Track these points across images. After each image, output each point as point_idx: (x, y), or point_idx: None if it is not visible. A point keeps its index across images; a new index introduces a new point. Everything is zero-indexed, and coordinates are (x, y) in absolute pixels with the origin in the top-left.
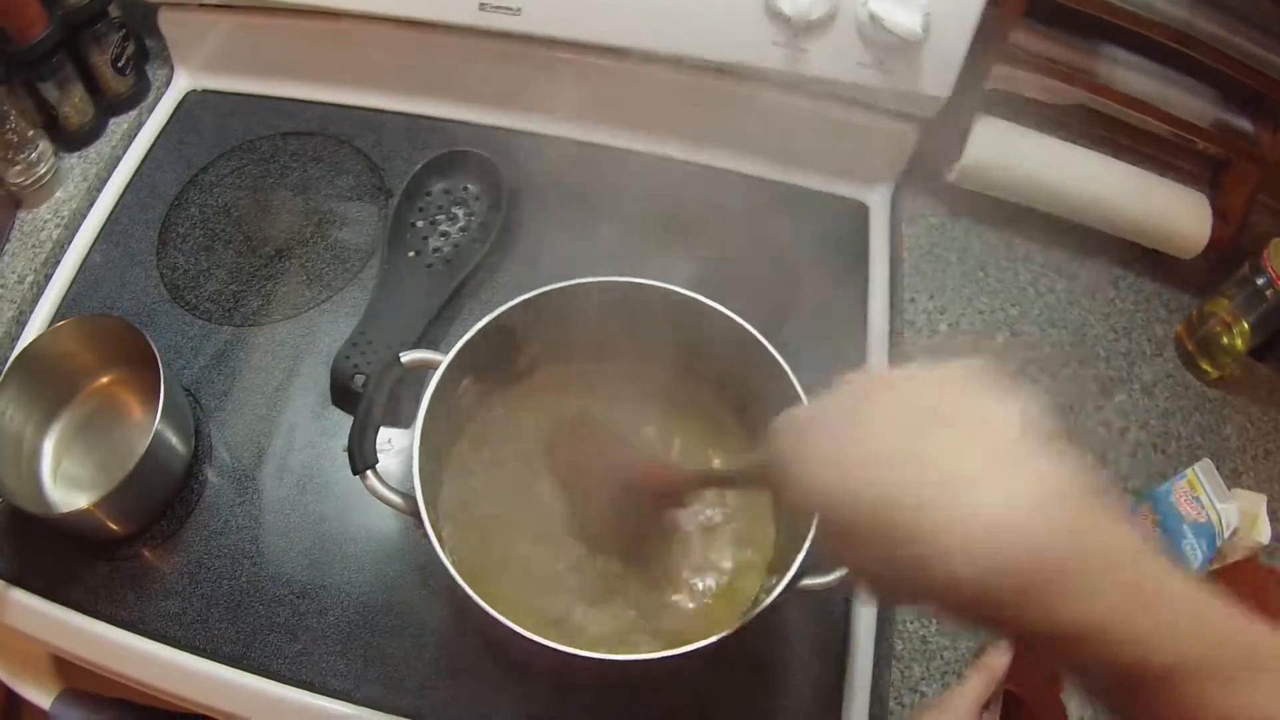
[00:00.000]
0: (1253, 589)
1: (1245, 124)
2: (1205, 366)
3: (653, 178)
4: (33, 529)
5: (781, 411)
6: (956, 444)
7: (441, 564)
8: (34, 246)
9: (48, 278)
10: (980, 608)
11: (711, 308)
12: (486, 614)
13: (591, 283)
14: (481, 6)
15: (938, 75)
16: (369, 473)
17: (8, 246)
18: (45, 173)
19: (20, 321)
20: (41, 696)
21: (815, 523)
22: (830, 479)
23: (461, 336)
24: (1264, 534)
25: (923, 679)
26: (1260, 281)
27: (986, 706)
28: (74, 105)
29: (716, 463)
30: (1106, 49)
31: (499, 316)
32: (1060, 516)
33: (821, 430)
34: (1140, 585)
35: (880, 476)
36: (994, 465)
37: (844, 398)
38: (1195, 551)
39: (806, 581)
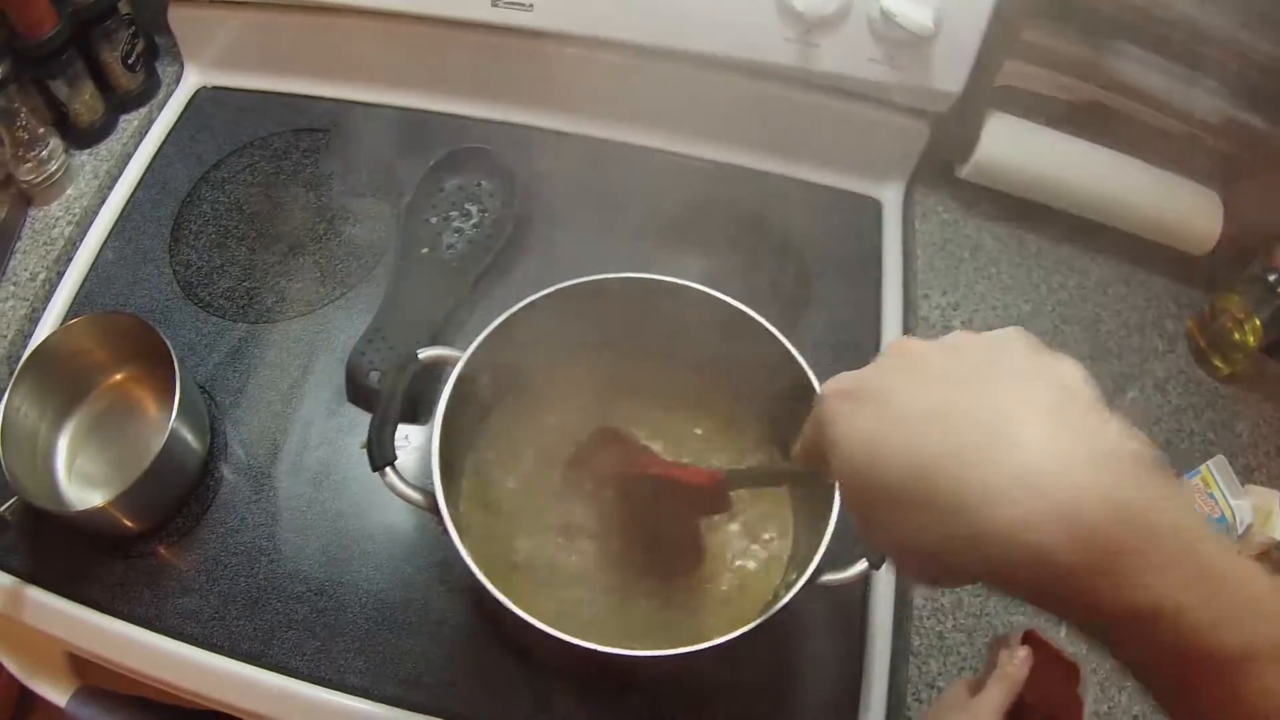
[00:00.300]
0: None
1: (1257, 121)
2: (1217, 363)
3: (665, 174)
4: (48, 526)
5: (793, 400)
6: (1007, 405)
7: (460, 560)
8: (46, 244)
9: (60, 275)
10: (1039, 586)
11: (727, 303)
12: (507, 609)
13: (608, 279)
14: (494, 3)
15: (949, 71)
16: (388, 469)
17: (20, 244)
18: (56, 170)
19: (33, 319)
20: (57, 694)
21: (854, 498)
22: (879, 438)
23: (476, 332)
24: (1277, 530)
25: (940, 675)
26: (1272, 278)
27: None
28: (84, 102)
29: (749, 461)
30: (1118, 46)
31: (516, 312)
32: (1126, 477)
33: (867, 391)
34: (1208, 564)
35: (933, 437)
36: (1048, 424)
37: (891, 359)
38: None
39: (826, 577)
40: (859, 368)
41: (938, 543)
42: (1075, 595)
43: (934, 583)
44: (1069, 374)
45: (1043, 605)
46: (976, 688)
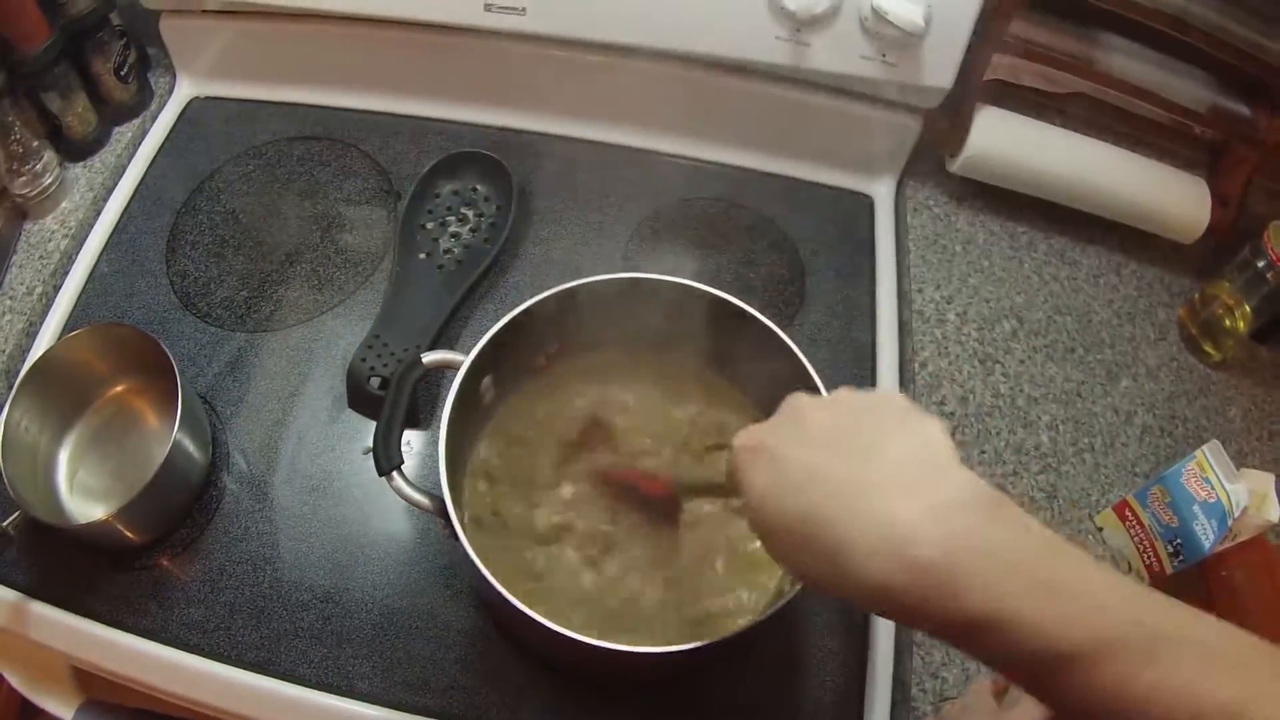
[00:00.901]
0: (1263, 567)
1: (1242, 108)
2: (1208, 350)
3: (660, 175)
4: (50, 540)
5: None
6: (874, 461)
7: (466, 562)
8: (42, 258)
9: (56, 288)
10: (897, 608)
11: (726, 300)
12: (515, 609)
13: (606, 279)
14: (487, 7)
15: (939, 67)
16: (395, 473)
17: (15, 258)
18: (51, 183)
19: (30, 333)
20: (62, 708)
21: (759, 532)
22: (770, 491)
23: (476, 336)
24: (1273, 512)
25: (943, 664)
26: (1261, 264)
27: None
28: (77, 115)
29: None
30: (1104, 37)
31: (517, 315)
32: (964, 518)
33: (763, 447)
34: (1047, 576)
35: (807, 493)
36: (906, 478)
37: (782, 417)
38: (1206, 531)
39: None
40: (853, 362)
41: (819, 574)
42: (920, 613)
43: (825, 594)
44: (932, 434)
45: (901, 621)
46: (1000, 693)
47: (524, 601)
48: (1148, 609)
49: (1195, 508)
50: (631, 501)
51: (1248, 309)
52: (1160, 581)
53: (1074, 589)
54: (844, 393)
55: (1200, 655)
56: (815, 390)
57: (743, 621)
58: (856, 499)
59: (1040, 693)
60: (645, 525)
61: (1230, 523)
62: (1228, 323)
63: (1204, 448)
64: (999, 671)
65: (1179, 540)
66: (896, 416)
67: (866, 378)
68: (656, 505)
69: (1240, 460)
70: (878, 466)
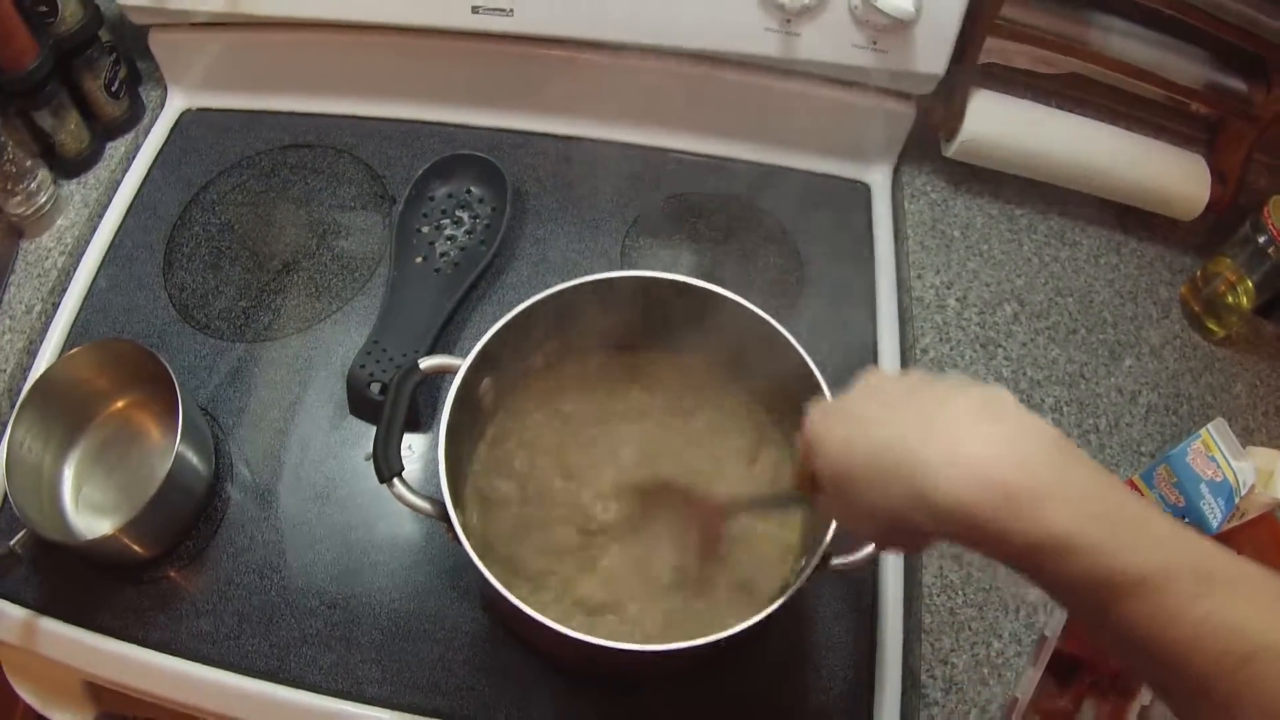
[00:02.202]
0: (1272, 544)
1: (1238, 84)
2: (1211, 326)
3: (653, 170)
4: (58, 557)
5: (794, 386)
6: (946, 407)
7: (471, 565)
8: (39, 276)
9: (55, 306)
10: (970, 526)
11: (723, 295)
12: (521, 612)
13: (603, 279)
14: (474, 9)
15: (932, 52)
16: (396, 480)
17: (13, 277)
18: (45, 201)
19: (31, 351)
20: None
21: (831, 484)
22: (851, 437)
23: (475, 338)
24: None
25: (953, 650)
26: (1262, 239)
27: (1034, 663)
28: (70, 132)
29: (756, 454)
30: (1097, 17)
31: (514, 317)
32: (1036, 447)
33: (840, 408)
34: (1113, 505)
35: (890, 430)
36: (977, 417)
37: (858, 388)
38: (1214, 510)
39: (836, 561)
40: (854, 351)
41: (894, 505)
42: (995, 533)
43: (898, 545)
44: (995, 389)
45: (974, 545)
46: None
47: (529, 603)
48: (1203, 547)
49: (1202, 487)
50: (652, 506)
51: (1250, 285)
52: None
53: (1136, 521)
54: (916, 371)
55: (1253, 593)
56: (815, 383)
57: (750, 616)
58: (934, 431)
59: (1098, 620)
60: (657, 527)
61: (1238, 501)
62: (1230, 299)
63: (1209, 426)
64: (1060, 598)
65: (1187, 520)
66: (965, 381)
67: (868, 365)
68: (693, 516)
69: (1246, 437)
70: (952, 410)
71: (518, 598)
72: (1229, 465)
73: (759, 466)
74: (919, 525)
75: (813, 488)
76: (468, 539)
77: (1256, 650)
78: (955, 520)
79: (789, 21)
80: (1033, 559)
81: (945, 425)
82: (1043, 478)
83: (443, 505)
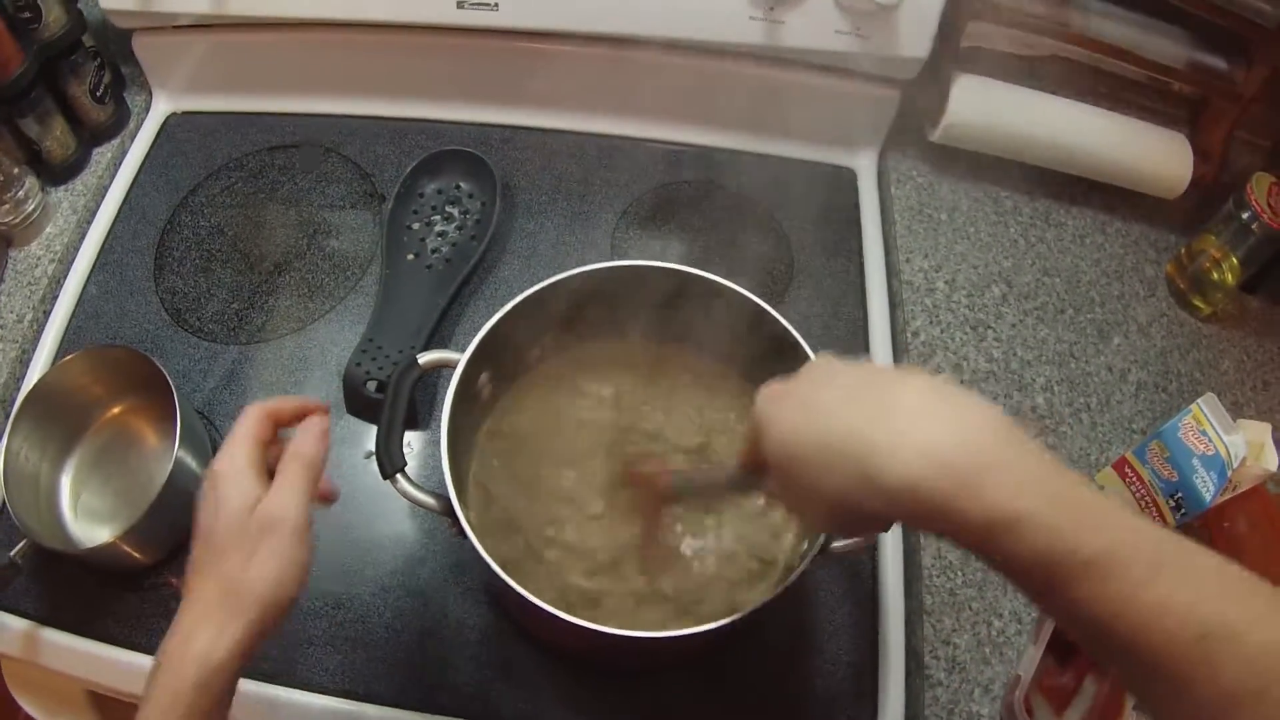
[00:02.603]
0: (1264, 516)
1: (1219, 63)
2: (1198, 303)
3: (641, 161)
4: (58, 566)
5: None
6: (895, 392)
7: (477, 559)
8: (30, 284)
9: (47, 314)
10: (919, 507)
11: (716, 282)
12: (529, 603)
13: (593, 270)
14: (460, 4)
15: (915, 37)
16: (400, 475)
17: (3, 286)
18: (34, 209)
19: (24, 361)
20: None
21: (781, 469)
22: (800, 422)
23: (470, 333)
24: (1271, 461)
25: (954, 631)
26: (1245, 216)
27: (1035, 641)
28: (56, 139)
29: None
30: None
31: (511, 310)
32: (985, 429)
33: (790, 392)
34: (1062, 486)
35: (838, 415)
36: (924, 401)
37: (809, 372)
38: (1206, 483)
39: (837, 544)
40: (846, 337)
41: (843, 489)
42: (944, 513)
43: (847, 529)
44: (940, 378)
45: (925, 525)
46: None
47: (537, 594)
48: (1153, 531)
49: (1194, 461)
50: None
51: (1235, 261)
52: None
53: (1085, 503)
54: (866, 359)
55: (1203, 578)
56: (807, 357)
57: (756, 599)
58: (883, 415)
59: (1050, 601)
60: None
61: (1230, 474)
62: (1215, 275)
63: (1199, 401)
64: (1012, 578)
65: (1180, 494)
66: (913, 369)
67: (860, 350)
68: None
69: (1236, 411)
70: (900, 394)
71: (524, 589)
72: (1220, 439)
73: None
74: (868, 508)
75: (760, 470)
76: (474, 534)
77: (1208, 631)
78: (905, 501)
79: (772, 9)
80: (982, 538)
81: (893, 409)
82: (990, 458)
83: (446, 500)
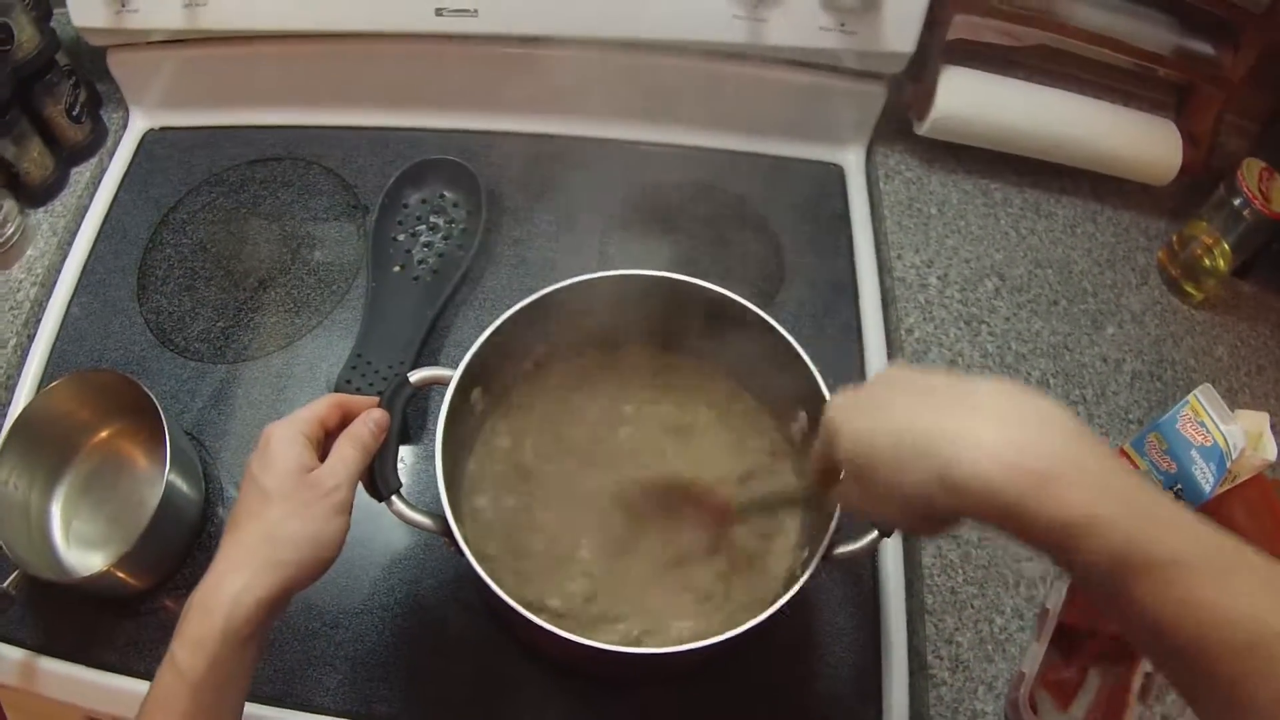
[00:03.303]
0: (1265, 506)
1: (1206, 48)
2: (1190, 290)
3: (627, 164)
4: (53, 595)
5: (786, 377)
6: (966, 396)
7: (473, 576)
8: (12, 309)
9: (30, 338)
10: (993, 508)
11: (705, 287)
12: (529, 621)
13: (583, 280)
14: (438, 12)
15: (900, 31)
16: (394, 497)
17: None
18: (13, 233)
19: (9, 386)
20: None
21: (855, 472)
22: (875, 425)
23: (460, 345)
24: (1270, 451)
25: (956, 629)
26: (1237, 202)
27: (1038, 637)
28: (33, 160)
29: (750, 443)
30: None
31: (501, 325)
32: (1057, 434)
33: (862, 398)
34: (1131, 489)
35: (912, 417)
36: (998, 404)
37: (882, 378)
38: (1206, 475)
39: (839, 549)
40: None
41: (918, 489)
42: (1018, 515)
43: (920, 528)
44: (1010, 382)
45: (998, 524)
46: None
47: (537, 612)
48: (1216, 535)
49: (1193, 452)
50: (652, 507)
51: (1226, 247)
52: None
53: (1153, 506)
54: (934, 367)
55: (1262, 582)
56: (808, 371)
57: (759, 608)
58: (956, 418)
59: (1113, 601)
60: (657, 528)
61: (1229, 465)
62: (1207, 262)
63: (1196, 391)
64: (1079, 578)
65: (1179, 486)
66: (980, 375)
67: (854, 348)
68: (701, 516)
69: (1231, 398)
70: (974, 397)
71: (523, 606)
72: (1218, 430)
73: (752, 463)
74: (942, 507)
75: (831, 478)
76: (471, 552)
77: (1265, 638)
78: (979, 502)
79: (756, 7)
80: (1055, 540)
81: (966, 411)
82: (1063, 460)
83: (443, 519)
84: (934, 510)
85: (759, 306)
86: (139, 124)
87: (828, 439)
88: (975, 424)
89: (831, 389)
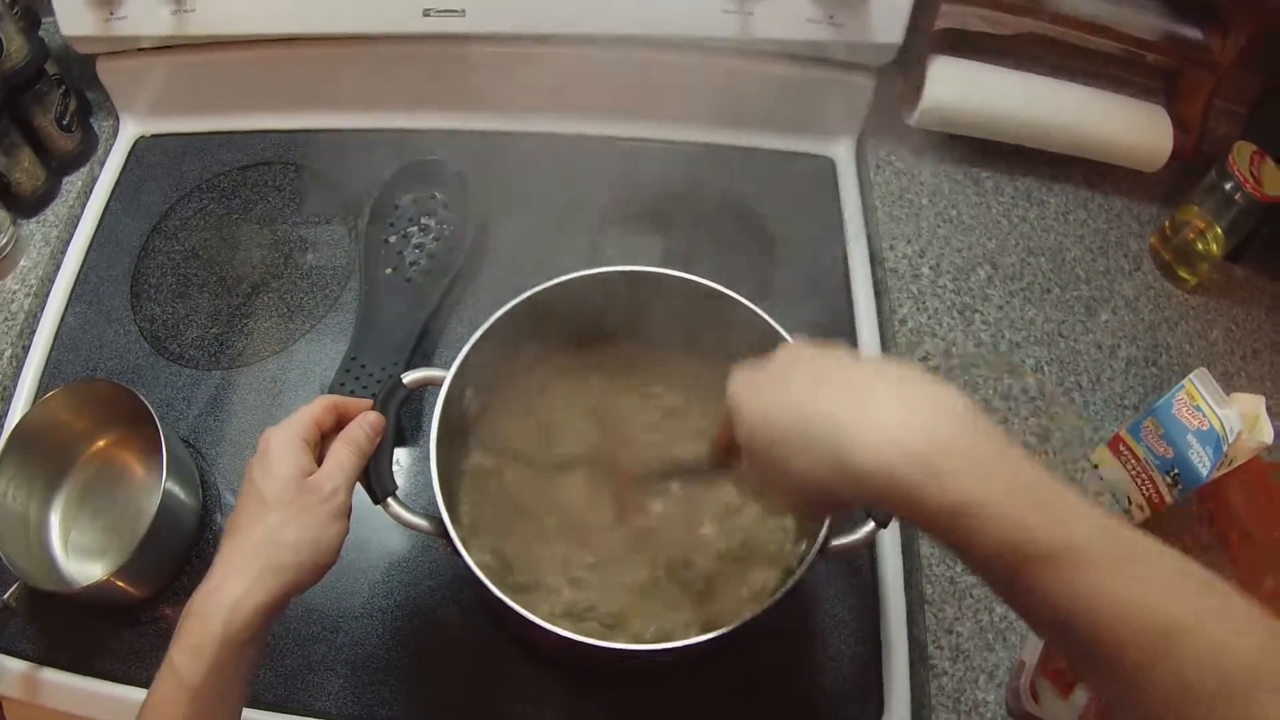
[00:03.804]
0: (1262, 488)
1: (1194, 32)
2: (1184, 275)
3: (617, 160)
4: (52, 605)
5: None
6: (865, 380)
7: (471, 577)
8: (6, 319)
9: (26, 349)
10: (886, 492)
11: (699, 283)
12: (530, 622)
13: (575, 278)
14: (426, 13)
15: (888, 22)
16: (390, 500)
17: None
18: (5, 244)
19: (5, 397)
20: None
21: (753, 450)
22: (772, 406)
23: (453, 346)
24: (1266, 434)
25: (956, 619)
26: (1228, 186)
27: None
28: (24, 170)
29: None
30: None
31: (493, 324)
32: (950, 418)
33: (763, 375)
34: (1027, 477)
35: (810, 400)
36: (894, 389)
37: (782, 356)
38: (1202, 459)
39: (836, 542)
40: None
41: (813, 472)
42: (909, 499)
43: (815, 512)
44: (906, 366)
45: (891, 508)
46: None
47: (535, 611)
48: (1115, 524)
49: (1189, 437)
50: (640, 496)
51: (1219, 231)
52: (1161, 512)
53: (1049, 493)
54: (839, 347)
55: (1165, 571)
56: None
57: (757, 602)
58: (855, 403)
59: (1011, 590)
60: (653, 519)
61: (1226, 448)
62: (1200, 246)
63: (1192, 376)
64: (974, 567)
65: (1176, 470)
66: (883, 358)
67: (848, 340)
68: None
69: (1226, 382)
70: (870, 381)
71: (522, 606)
72: (1214, 414)
73: None
74: (837, 492)
75: (732, 454)
76: (468, 553)
77: (1169, 626)
78: (872, 486)
79: (744, 1)
80: (945, 524)
81: (864, 395)
82: (955, 445)
83: (439, 520)
84: (830, 494)
85: (751, 301)
86: (129, 131)
87: (728, 416)
88: (871, 408)
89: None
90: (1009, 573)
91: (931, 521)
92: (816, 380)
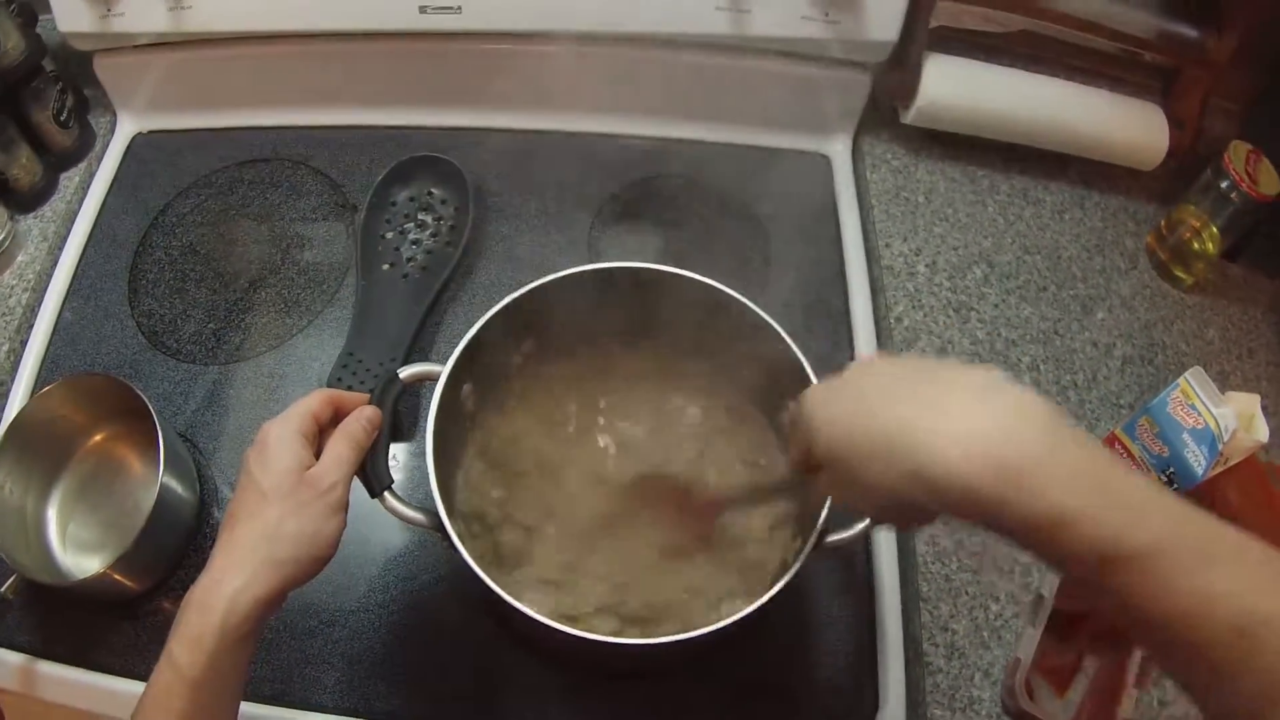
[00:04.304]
0: (1257, 487)
1: (1190, 31)
2: (1180, 274)
3: (614, 157)
4: (50, 598)
5: (771, 366)
6: (943, 388)
7: (467, 571)
8: (4, 314)
9: (23, 344)
10: (968, 502)
11: (693, 279)
12: (525, 615)
13: (571, 274)
14: (422, 9)
15: (883, 20)
16: (387, 494)
17: None
18: (3, 239)
19: (3, 393)
20: None
21: (831, 461)
22: (850, 419)
23: (450, 341)
24: (1262, 432)
25: (952, 617)
26: (1224, 185)
27: (1033, 623)
28: (22, 166)
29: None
30: None
31: (490, 319)
32: (1033, 425)
33: (838, 387)
34: (1111, 478)
35: (888, 411)
36: (974, 396)
37: (855, 368)
38: (1198, 457)
39: (831, 537)
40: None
41: (893, 482)
42: (993, 508)
43: (897, 521)
44: (990, 371)
45: (973, 520)
46: None
47: (530, 605)
48: (1202, 520)
49: (1184, 436)
50: (642, 500)
51: (1215, 230)
52: None
53: (1134, 494)
54: (911, 355)
55: (1251, 567)
56: (793, 357)
57: (753, 596)
58: (932, 410)
59: (1097, 591)
60: (647, 520)
61: (1221, 447)
62: (1196, 245)
63: (1187, 374)
64: (1059, 570)
65: (1172, 469)
66: (960, 363)
67: (843, 338)
68: (687, 509)
69: (1222, 381)
70: (949, 389)
71: (517, 599)
72: (1210, 412)
73: (744, 452)
74: (918, 501)
75: (810, 468)
76: (464, 547)
77: (1256, 623)
78: (954, 496)
79: None
80: (1031, 533)
81: (943, 404)
82: (1040, 453)
83: (436, 515)
84: (911, 503)
85: (747, 298)
86: (127, 128)
87: (804, 430)
88: (950, 417)
89: (820, 379)
90: (1096, 577)
91: (1014, 530)
92: (893, 389)
